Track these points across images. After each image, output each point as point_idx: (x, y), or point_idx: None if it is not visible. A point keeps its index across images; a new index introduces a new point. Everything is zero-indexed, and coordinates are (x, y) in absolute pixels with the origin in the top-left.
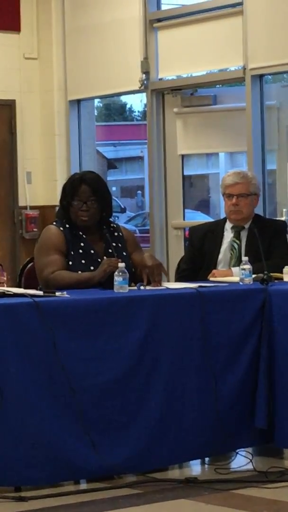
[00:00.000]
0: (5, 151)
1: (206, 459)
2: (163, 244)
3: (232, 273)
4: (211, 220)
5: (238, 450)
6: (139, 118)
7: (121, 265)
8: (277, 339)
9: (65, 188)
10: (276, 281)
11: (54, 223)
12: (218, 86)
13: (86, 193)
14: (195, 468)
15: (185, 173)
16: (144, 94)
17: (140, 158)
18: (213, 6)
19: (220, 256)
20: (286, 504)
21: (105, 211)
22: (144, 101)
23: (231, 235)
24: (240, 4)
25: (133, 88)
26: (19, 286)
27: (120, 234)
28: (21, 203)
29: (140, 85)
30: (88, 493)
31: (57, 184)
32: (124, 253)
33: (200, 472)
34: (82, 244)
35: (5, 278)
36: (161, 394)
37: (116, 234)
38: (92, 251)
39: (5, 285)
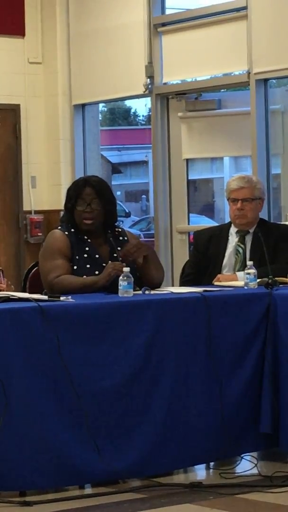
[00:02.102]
0: (9, 156)
1: (211, 463)
2: (167, 248)
3: (237, 278)
4: (215, 224)
5: (243, 454)
6: (143, 122)
7: (126, 269)
8: (282, 343)
9: (69, 191)
10: (281, 285)
11: (59, 227)
12: (222, 90)
13: (90, 195)
14: (200, 472)
15: (190, 177)
16: (148, 99)
17: (145, 163)
18: (218, 11)
19: (225, 261)
20: None
21: (110, 215)
22: (149, 105)
23: (236, 239)
24: (245, 8)
25: (137, 93)
26: (24, 291)
27: (125, 238)
28: (26, 207)
29: (145, 90)
30: (93, 497)
31: (61, 189)
32: (129, 258)
33: (205, 477)
34: (87, 248)
35: (4, 285)
36: (166, 398)
37: (121, 238)
38: (97, 256)
39: (4, 291)
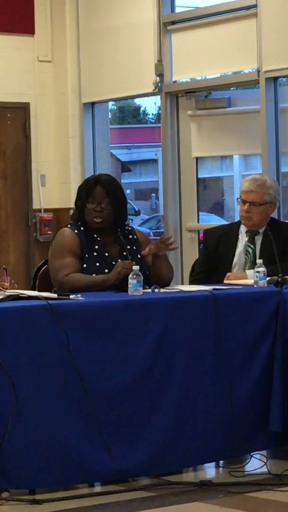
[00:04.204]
0: (19, 154)
1: (221, 462)
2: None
3: (247, 276)
4: (225, 222)
5: (252, 453)
6: (153, 120)
7: (135, 267)
8: None
9: (80, 190)
10: None
11: (69, 225)
12: (232, 88)
13: (101, 194)
14: (210, 471)
15: (199, 175)
16: (158, 97)
17: (154, 161)
18: (227, 9)
19: (235, 260)
20: None
21: (120, 214)
22: (158, 103)
23: (246, 238)
24: (254, 6)
25: (147, 91)
26: (33, 289)
27: (135, 236)
28: (35, 206)
29: (154, 88)
30: (102, 496)
31: (71, 187)
32: (139, 256)
33: (214, 475)
34: (96, 246)
35: (7, 284)
36: (176, 396)
37: (130, 236)
38: (106, 254)
39: (8, 289)
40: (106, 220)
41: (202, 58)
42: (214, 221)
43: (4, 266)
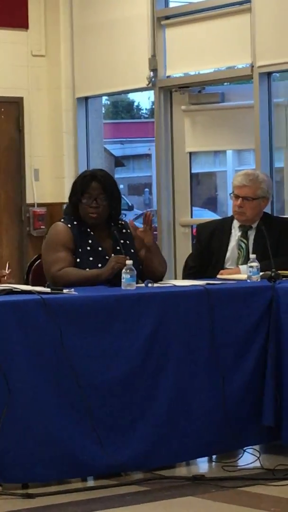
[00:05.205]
0: (12, 149)
1: (214, 456)
2: (170, 241)
3: (240, 271)
4: (218, 217)
5: (245, 447)
6: (146, 115)
7: (129, 262)
8: (284, 336)
9: (75, 185)
10: (284, 278)
11: (62, 220)
12: (226, 83)
13: (96, 190)
14: (203, 465)
15: (193, 170)
16: (151, 92)
17: (148, 156)
18: (221, 4)
19: (228, 254)
20: None
21: (114, 209)
22: (152, 98)
23: (239, 233)
24: (248, 1)
25: (140, 86)
26: (27, 283)
27: (128, 231)
28: (29, 200)
29: (148, 83)
30: (95, 490)
31: (64, 182)
32: (132, 250)
33: (207, 470)
34: (90, 241)
35: (7, 273)
36: (169, 391)
37: (124, 231)
38: (100, 248)
39: (5, 278)
40: (101, 216)
41: (196, 53)
42: (207, 216)
43: (8, 262)
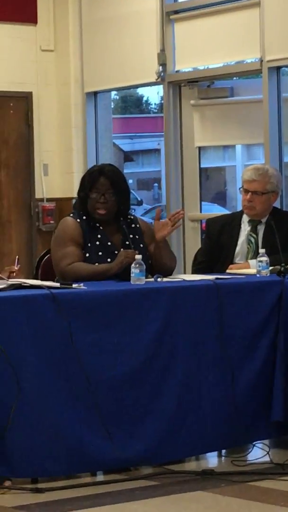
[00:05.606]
0: (22, 144)
1: (223, 451)
2: (179, 236)
3: (250, 266)
4: (227, 212)
5: (255, 442)
6: (155, 110)
7: (138, 257)
8: None
9: (83, 180)
10: None
11: (71, 214)
12: (235, 78)
13: (105, 185)
14: (212, 460)
15: (202, 165)
16: (160, 86)
17: (157, 151)
18: None
19: (237, 249)
20: None
21: (123, 204)
22: (161, 93)
23: (248, 228)
24: None
25: (149, 80)
26: (36, 278)
27: (137, 225)
28: (38, 195)
29: (157, 77)
30: (105, 485)
31: (73, 177)
32: (141, 245)
33: (217, 464)
34: (99, 236)
35: (16, 268)
36: (178, 386)
37: (133, 225)
38: (109, 243)
39: (15, 274)
40: (109, 211)
41: (205, 47)
42: (216, 210)
43: (17, 256)
